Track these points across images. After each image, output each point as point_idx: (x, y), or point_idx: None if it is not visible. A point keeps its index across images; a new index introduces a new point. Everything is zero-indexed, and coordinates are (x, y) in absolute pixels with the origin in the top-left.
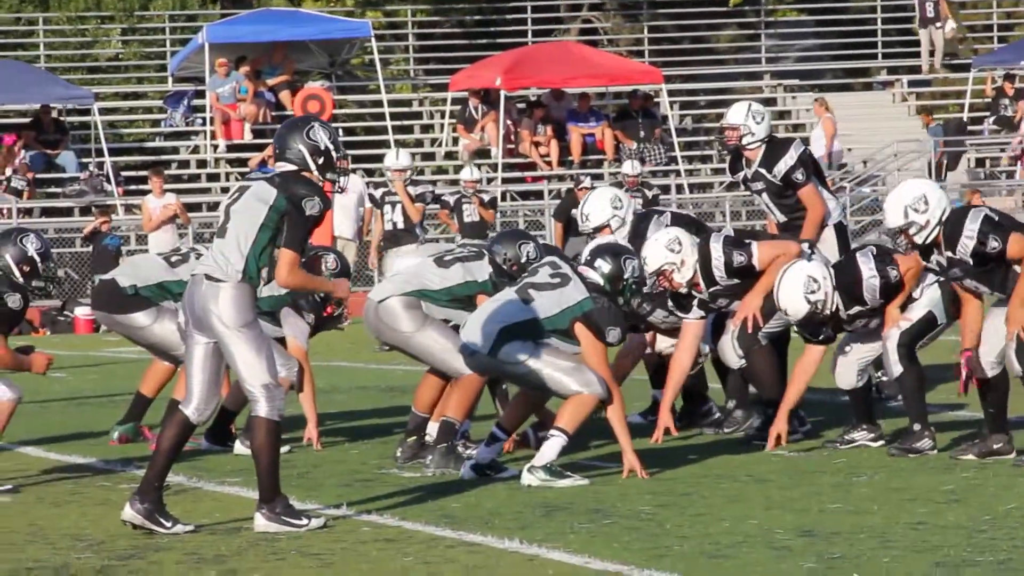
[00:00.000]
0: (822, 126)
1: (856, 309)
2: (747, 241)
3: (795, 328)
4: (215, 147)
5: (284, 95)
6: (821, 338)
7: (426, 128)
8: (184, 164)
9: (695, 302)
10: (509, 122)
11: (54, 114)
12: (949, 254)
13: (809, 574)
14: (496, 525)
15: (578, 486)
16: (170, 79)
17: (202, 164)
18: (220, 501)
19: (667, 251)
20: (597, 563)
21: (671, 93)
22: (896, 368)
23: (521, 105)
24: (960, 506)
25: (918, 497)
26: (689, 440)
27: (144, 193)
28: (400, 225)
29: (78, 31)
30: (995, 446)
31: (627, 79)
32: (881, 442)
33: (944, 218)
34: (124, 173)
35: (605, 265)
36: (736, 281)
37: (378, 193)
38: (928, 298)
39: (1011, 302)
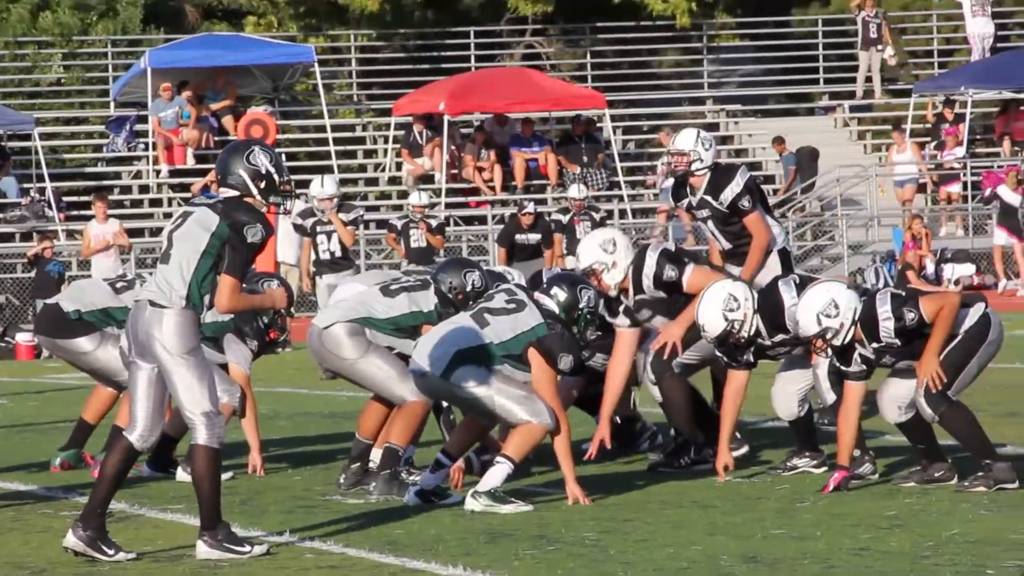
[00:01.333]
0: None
1: (779, 337)
2: (684, 260)
3: (717, 351)
4: (157, 172)
5: (227, 120)
6: (741, 362)
7: (369, 153)
8: (127, 189)
9: (622, 308)
10: (453, 147)
11: None
12: (875, 345)
13: None
14: (440, 551)
15: (522, 512)
16: (112, 104)
17: (144, 189)
18: (162, 528)
19: (600, 250)
20: None
21: (614, 118)
22: (829, 396)
23: (465, 130)
24: (903, 531)
25: (861, 523)
26: (633, 466)
27: (87, 218)
28: (338, 253)
29: (17, 56)
30: (936, 474)
31: (570, 104)
32: (824, 468)
33: (856, 316)
34: (66, 198)
35: (561, 293)
36: (662, 295)
37: (308, 223)
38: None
39: (924, 354)
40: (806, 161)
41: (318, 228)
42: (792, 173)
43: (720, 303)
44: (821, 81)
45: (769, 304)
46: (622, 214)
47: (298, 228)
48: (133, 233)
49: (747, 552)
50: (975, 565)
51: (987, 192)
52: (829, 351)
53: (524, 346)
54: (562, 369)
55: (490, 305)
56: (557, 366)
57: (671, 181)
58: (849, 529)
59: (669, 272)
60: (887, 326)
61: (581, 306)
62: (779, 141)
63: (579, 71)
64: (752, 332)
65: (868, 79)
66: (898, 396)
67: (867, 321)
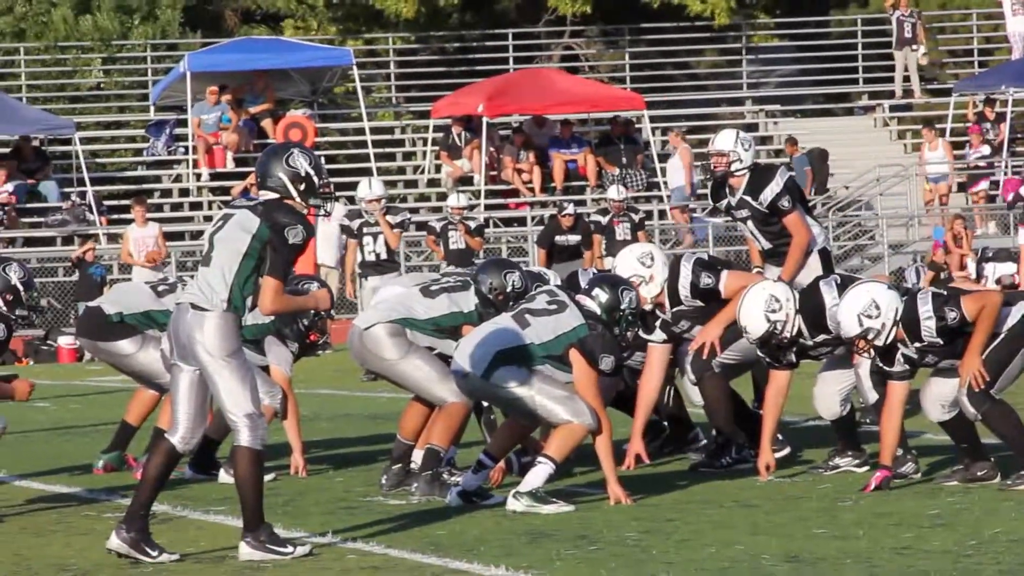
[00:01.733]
0: (679, 156)
1: (821, 337)
2: (718, 267)
3: (759, 352)
4: (198, 176)
5: (266, 123)
6: (783, 363)
7: (408, 155)
8: (167, 193)
9: (658, 323)
10: (491, 149)
11: (35, 144)
12: (918, 344)
13: None
14: (482, 552)
15: (563, 512)
16: (152, 108)
17: (184, 193)
18: (205, 529)
19: (638, 263)
20: None
21: (653, 119)
22: (871, 395)
23: (504, 132)
24: (946, 530)
25: (903, 522)
26: (674, 466)
27: (127, 222)
28: (383, 255)
29: (58, 61)
30: (979, 473)
31: (608, 105)
32: (866, 467)
33: (898, 316)
34: (106, 202)
35: (603, 294)
36: (699, 303)
37: (355, 224)
38: None
39: (967, 353)
40: (817, 163)
41: (364, 230)
42: (810, 174)
43: (762, 304)
44: (860, 81)
45: (811, 304)
46: (661, 215)
47: (344, 229)
48: (173, 237)
49: (789, 551)
50: (1018, 564)
51: (1009, 197)
52: (871, 351)
53: (565, 347)
54: (603, 370)
55: (531, 306)
56: (598, 367)
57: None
58: (891, 528)
59: (706, 280)
60: (929, 325)
61: (623, 307)
62: (792, 142)
63: (618, 72)
64: (794, 332)
65: (907, 79)
66: (941, 395)
67: (909, 321)
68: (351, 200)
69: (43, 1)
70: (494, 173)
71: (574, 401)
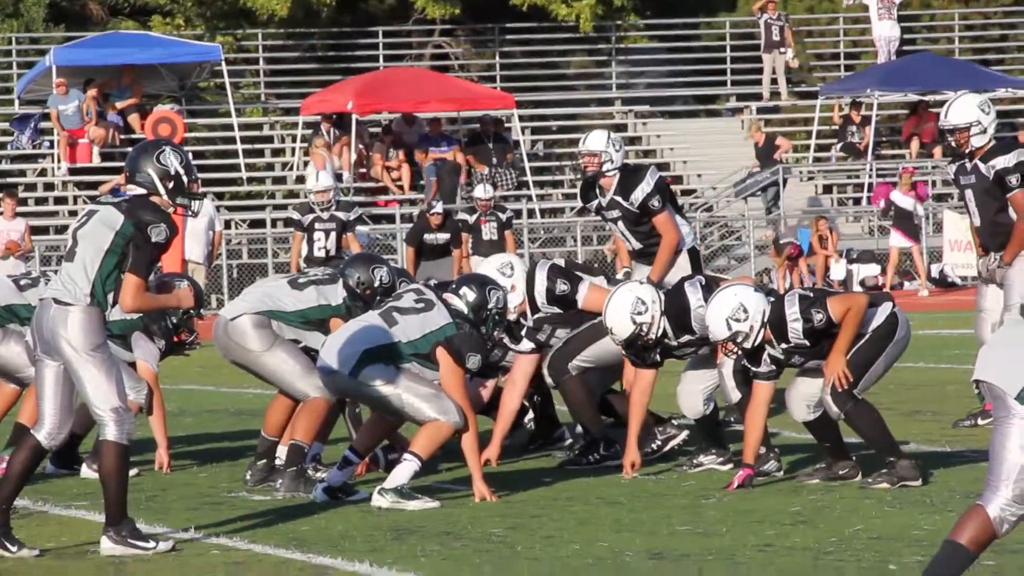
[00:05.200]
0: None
1: (686, 338)
2: (578, 275)
3: (624, 352)
4: (59, 170)
5: (133, 118)
6: (648, 363)
7: (277, 152)
8: (32, 187)
9: (524, 332)
10: (361, 146)
11: None
12: (784, 345)
13: None
14: (346, 548)
15: (429, 509)
16: (16, 102)
17: (50, 187)
18: (66, 525)
19: (498, 274)
20: None
21: (522, 118)
22: (734, 395)
23: (373, 130)
24: (807, 528)
25: (766, 519)
26: (540, 463)
27: None
28: (332, 252)
29: None
30: (840, 472)
31: (478, 104)
32: (730, 465)
33: (765, 318)
34: None
35: (470, 293)
36: (557, 310)
37: (306, 219)
38: None
39: (831, 353)
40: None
41: (317, 225)
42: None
43: (628, 306)
44: (728, 83)
45: (676, 306)
46: (531, 214)
47: (293, 223)
48: (38, 231)
49: (653, 548)
50: (878, 561)
51: (880, 204)
52: (738, 352)
53: (432, 345)
54: (470, 368)
55: (399, 304)
56: (465, 365)
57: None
58: (754, 526)
59: (561, 287)
60: (795, 327)
61: (490, 307)
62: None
63: (488, 72)
64: (659, 334)
65: (774, 81)
66: (807, 395)
67: (776, 323)
68: (219, 196)
69: None
70: (363, 171)
71: (441, 399)
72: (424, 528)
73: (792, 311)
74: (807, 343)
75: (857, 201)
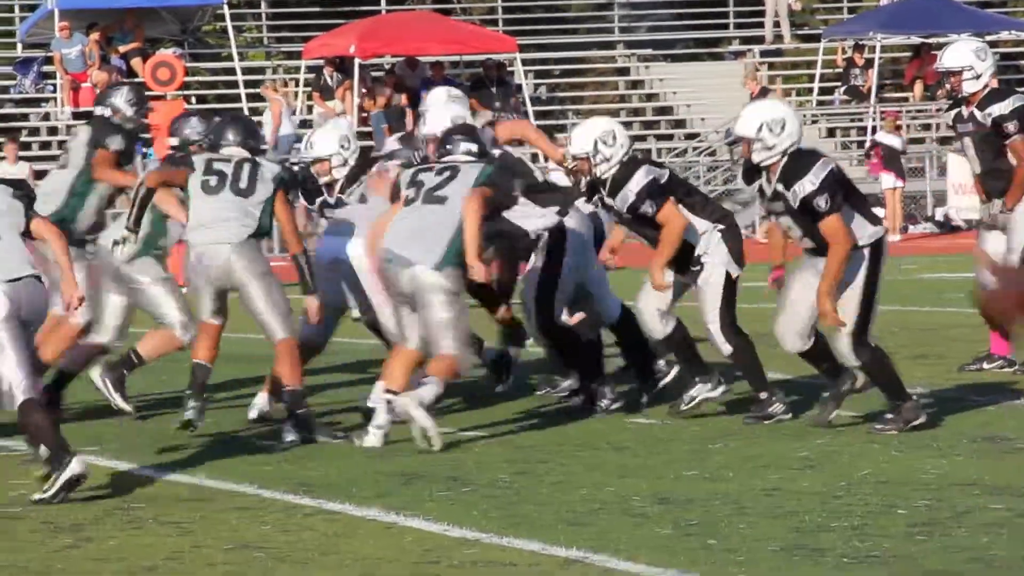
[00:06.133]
0: (270, 110)
1: (610, 202)
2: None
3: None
4: (62, 114)
5: (136, 62)
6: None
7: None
8: (35, 131)
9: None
10: (363, 90)
11: None
12: (781, 187)
13: (666, 541)
14: (355, 494)
15: (436, 454)
16: (19, 46)
17: (53, 131)
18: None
19: (600, 141)
20: (455, 530)
21: (525, 62)
22: (725, 348)
23: (376, 74)
24: (815, 472)
25: (772, 464)
26: (548, 407)
27: None
28: None
29: None
30: (843, 388)
31: (481, 47)
32: (721, 388)
33: (790, 150)
34: None
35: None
36: (628, 216)
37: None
38: (719, 257)
39: (819, 295)
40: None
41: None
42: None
43: (600, 131)
44: (731, 27)
45: (625, 171)
46: (534, 158)
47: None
48: (41, 175)
49: (659, 493)
50: (885, 505)
51: (867, 146)
52: (749, 160)
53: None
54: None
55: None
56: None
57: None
58: (760, 471)
59: (646, 207)
60: (805, 187)
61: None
62: None
63: (490, 15)
64: (601, 175)
65: (777, 24)
66: (796, 325)
67: (794, 167)
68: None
69: None
70: (366, 115)
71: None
72: (431, 473)
73: (818, 176)
74: (796, 208)
75: (861, 144)
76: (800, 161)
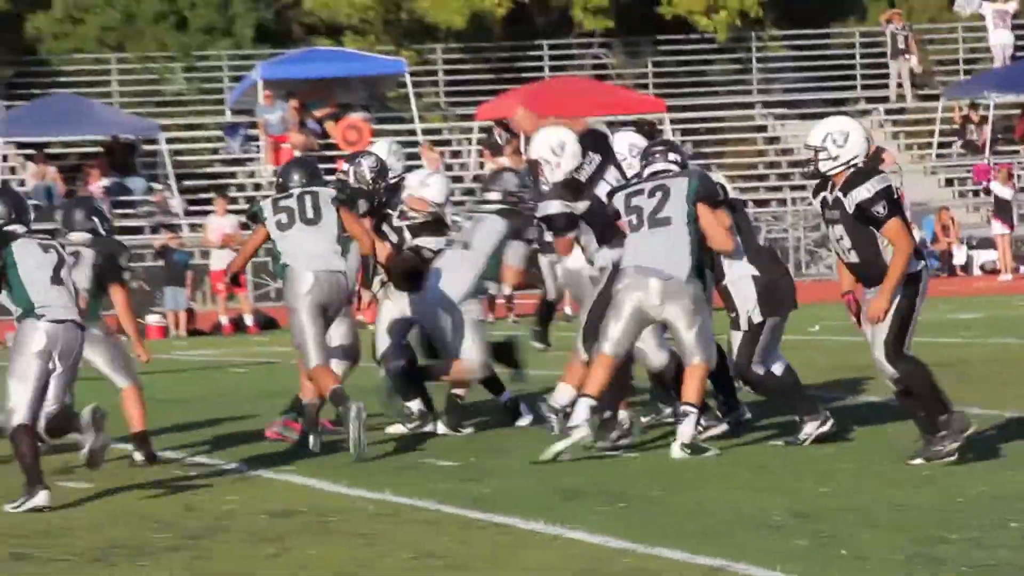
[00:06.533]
0: (428, 167)
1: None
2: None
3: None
4: (265, 172)
5: (329, 125)
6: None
7: (455, 154)
8: (241, 187)
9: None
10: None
11: (125, 143)
12: (840, 195)
13: (802, 551)
14: (523, 509)
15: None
16: (228, 112)
17: (257, 187)
18: (274, 488)
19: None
20: (613, 542)
21: (673, 121)
22: (655, 358)
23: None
24: (934, 488)
25: (895, 480)
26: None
27: (206, 214)
28: None
29: (146, 69)
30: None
31: (634, 108)
32: (828, 424)
33: (853, 162)
34: (188, 196)
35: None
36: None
37: None
38: (743, 298)
39: (878, 295)
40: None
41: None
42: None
43: (555, 138)
44: (858, 87)
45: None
46: None
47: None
48: (247, 226)
49: (796, 508)
50: (1000, 519)
51: (983, 184)
52: (818, 171)
53: None
54: None
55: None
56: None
57: None
58: (885, 487)
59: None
60: (861, 193)
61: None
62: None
63: (641, 80)
64: (551, 178)
65: (900, 85)
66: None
67: (855, 177)
68: None
69: (133, 16)
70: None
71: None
72: (590, 489)
73: (873, 185)
74: (851, 212)
75: (976, 193)
76: (861, 173)
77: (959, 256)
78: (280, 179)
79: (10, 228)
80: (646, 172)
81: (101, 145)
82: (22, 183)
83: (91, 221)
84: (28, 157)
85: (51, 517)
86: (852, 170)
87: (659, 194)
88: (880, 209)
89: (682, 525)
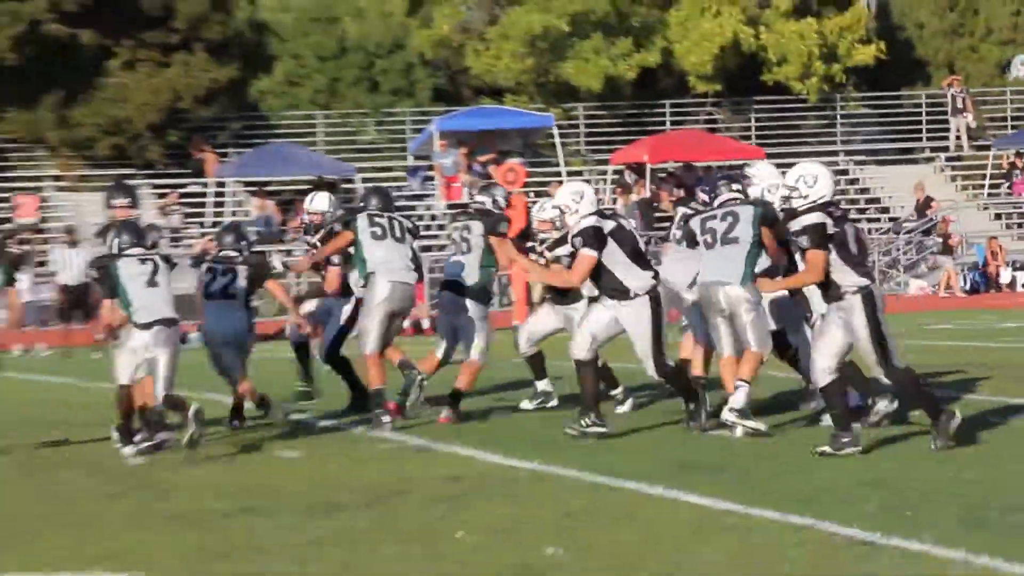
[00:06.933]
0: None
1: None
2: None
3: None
4: (439, 207)
5: (491, 168)
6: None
7: (621, 187)
8: (420, 218)
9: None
10: (653, 186)
11: (328, 182)
12: (791, 225)
13: (874, 514)
14: (647, 474)
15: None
16: (410, 157)
17: (432, 218)
18: (444, 458)
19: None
20: (719, 503)
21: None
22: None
23: (661, 175)
24: (979, 466)
25: (948, 459)
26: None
27: None
28: None
29: (345, 123)
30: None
31: (737, 155)
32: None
33: (821, 200)
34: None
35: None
36: None
37: None
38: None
39: (777, 281)
40: (647, 211)
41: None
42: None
43: (569, 195)
44: (924, 139)
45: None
46: None
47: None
48: (424, 250)
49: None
50: None
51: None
52: (788, 206)
53: None
54: None
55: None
56: None
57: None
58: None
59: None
60: (796, 224)
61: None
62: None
63: (744, 132)
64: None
65: (958, 138)
66: (868, 360)
67: (801, 212)
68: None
69: (336, 80)
70: (655, 204)
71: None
72: (700, 462)
73: (809, 219)
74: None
75: (1020, 225)
76: (814, 210)
77: (1005, 276)
78: (362, 202)
79: (123, 250)
80: (716, 201)
81: (309, 183)
82: (247, 213)
83: (238, 244)
84: (252, 192)
85: (270, 480)
86: (807, 206)
87: (730, 219)
88: (803, 242)
89: (774, 491)
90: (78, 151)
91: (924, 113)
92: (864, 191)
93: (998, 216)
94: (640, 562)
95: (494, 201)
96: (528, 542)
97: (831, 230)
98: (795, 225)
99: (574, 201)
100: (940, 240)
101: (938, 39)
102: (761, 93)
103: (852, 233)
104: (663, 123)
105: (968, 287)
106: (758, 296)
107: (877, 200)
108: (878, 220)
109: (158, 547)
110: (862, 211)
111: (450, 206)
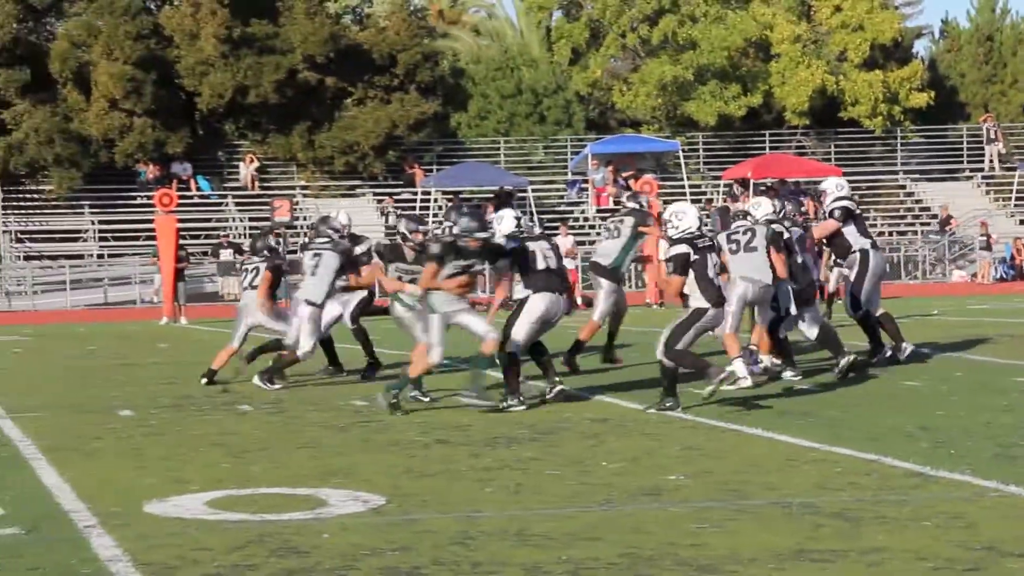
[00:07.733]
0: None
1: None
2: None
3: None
4: (591, 212)
5: (632, 182)
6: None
7: (708, 201)
8: (575, 219)
9: None
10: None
11: (508, 191)
12: (666, 256)
13: (925, 451)
14: (749, 420)
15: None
16: (569, 173)
17: (586, 220)
18: (593, 403)
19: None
20: (804, 442)
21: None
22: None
23: (762, 188)
24: (1012, 413)
25: (986, 407)
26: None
27: (556, 234)
28: None
29: (521, 147)
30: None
31: (819, 173)
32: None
33: (688, 232)
34: (544, 225)
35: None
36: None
37: None
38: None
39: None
40: (725, 216)
41: None
42: (719, 222)
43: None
44: (964, 161)
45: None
46: None
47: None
48: (580, 242)
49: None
50: None
51: None
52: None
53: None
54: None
55: None
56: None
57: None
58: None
59: None
60: (668, 252)
61: None
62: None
63: (825, 156)
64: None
65: (991, 161)
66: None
67: (672, 242)
68: None
69: (514, 115)
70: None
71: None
72: (791, 409)
73: (671, 250)
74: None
75: None
76: (676, 241)
77: None
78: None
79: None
80: (735, 225)
81: (493, 193)
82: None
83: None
84: (449, 200)
85: (460, 419)
86: (677, 236)
87: (749, 233)
88: (668, 267)
89: (848, 433)
90: (320, 167)
91: (965, 142)
92: (918, 202)
93: (1022, 222)
94: (743, 487)
95: (641, 205)
96: (657, 469)
97: (693, 258)
98: (668, 253)
99: (676, 217)
100: (983, 239)
101: (976, 86)
102: (839, 126)
103: (715, 261)
104: (763, 148)
105: (998, 276)
106: (773, 291)
107: (928, 208)
108: (928, 224)
109: (375, 468)
110: (916, 217)
111: (599, 210)
